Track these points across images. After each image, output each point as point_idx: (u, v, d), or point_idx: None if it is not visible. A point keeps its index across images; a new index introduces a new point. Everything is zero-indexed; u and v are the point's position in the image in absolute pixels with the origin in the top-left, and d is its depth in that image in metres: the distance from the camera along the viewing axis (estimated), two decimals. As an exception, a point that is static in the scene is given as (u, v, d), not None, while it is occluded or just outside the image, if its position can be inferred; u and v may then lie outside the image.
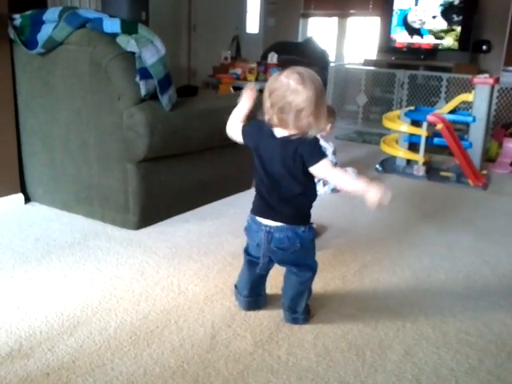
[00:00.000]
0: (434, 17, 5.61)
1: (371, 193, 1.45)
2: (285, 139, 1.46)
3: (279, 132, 1.47)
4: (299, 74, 1.41)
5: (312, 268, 1.62)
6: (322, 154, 1.46)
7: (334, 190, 3.03)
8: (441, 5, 5.54)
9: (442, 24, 5.57)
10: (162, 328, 1.57)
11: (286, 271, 1.64)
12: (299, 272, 1.60)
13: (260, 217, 1.55)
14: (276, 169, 1.49)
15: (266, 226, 1.53)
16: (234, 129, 1.61)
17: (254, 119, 1.56)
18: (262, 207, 1.55)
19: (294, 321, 1.63)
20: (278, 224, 1.52)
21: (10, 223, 2.37)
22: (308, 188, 1.53)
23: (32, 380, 1.32)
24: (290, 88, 1.40)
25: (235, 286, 1.73)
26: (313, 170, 1.46)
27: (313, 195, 1.56)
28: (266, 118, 1.46)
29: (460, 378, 1.41)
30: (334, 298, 1.81)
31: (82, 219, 2.45)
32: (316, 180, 3.14)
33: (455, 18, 5.49)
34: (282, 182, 1.50)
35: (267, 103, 1.44)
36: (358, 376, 1.39)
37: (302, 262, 1.59)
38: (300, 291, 1.61)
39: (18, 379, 1.32)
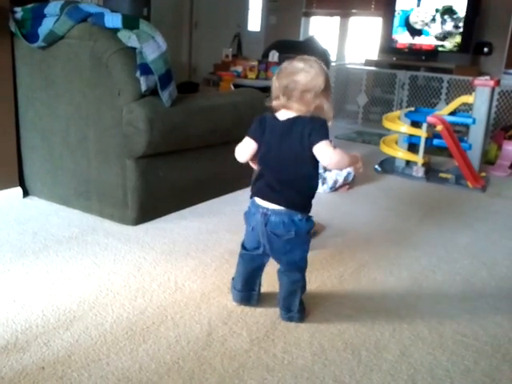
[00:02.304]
0: (435, 18, 5.61)
1: (357, 165, 1.62)
2: (291, 120, 1.49)
3: (283, 115, 1.51)
4: (311, 60, 1.49)
5: (300, 268, 1.61)
6: (326, 135, 1.48)
7: (333, 189, 3.03)
8: (443, 6, 5.54)
9: (444, 25, 5.57)
10: (159, 324, 1.57)
11: (278, 272, 1.64)
12: (288, 272, 1.60)
13: (259, 198, 1.55)
14: (282, 150, 1.50)
15: (264, 207, 1.53)
16: (246, 156, 1.61)
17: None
18: (262, 188, 1.55)
19: (289, 319, 1.63)
20: (276, 207, 1.52)
21: (8, 217, 2.37)
22: (311, 172, 1.53)
23: (27, 374, 1.32)
24: (301, 68, 1.46)
25: (232, 279, 1.74)
26: (315, 149, 1.47)
27: (315, 182, 1.57)
28: (272, 99, 1.50)
29: (455, 379, 1.41)
30: (331, 297, 1.81)
31: (80, 214, 2.45)
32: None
33: (457, 19, 5.49)
34: (286, 164, 1.51)
35: (276, 83, 1.49)
36: (354, 375, 1.39)
37: (293, 258, 1.57)
38: (292, 291, 1.61)
39: (14, 373, 1.32)
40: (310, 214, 1.57)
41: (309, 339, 1.55)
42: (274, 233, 1.53)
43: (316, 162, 1.51)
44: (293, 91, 1.46)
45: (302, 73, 1.45)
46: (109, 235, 2.22)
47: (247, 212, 1.61)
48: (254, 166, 1.64)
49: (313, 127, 1.46)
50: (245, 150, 1.59)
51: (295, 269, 1.60)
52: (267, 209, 1.53)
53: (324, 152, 1.47)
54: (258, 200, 1.56)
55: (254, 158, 1.60)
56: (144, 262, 1.98)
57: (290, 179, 1.51)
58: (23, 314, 1.59)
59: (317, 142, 1.46)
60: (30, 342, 1.45)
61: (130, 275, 1.88)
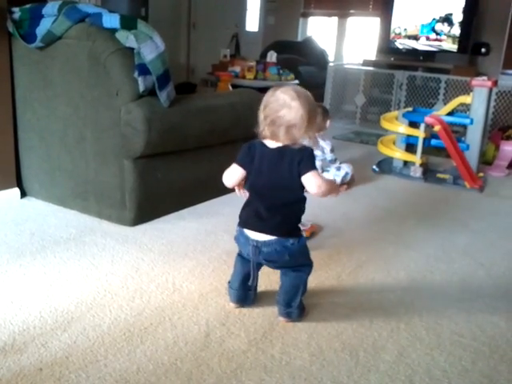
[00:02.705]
0: (434, 19, 5.61)
1: (336, 192, 1.67)
2: (281, 149, 1.51)
3: (271, 143, 1.53)
4: (295, 91, 1.49)
5: (307, 267, 1.64)
6: (314, 166, 1.53)
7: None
8: (441, 7, 5.55)
9: (442, 26, 5.57)
10: (156, 325, 1.57)
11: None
12: (294, 272, 1.62)
13: (247, 229, 1.57)
14: (271, 177, 1.53)
15: (254, 240, 1.55)
16: (233, 181, 1.63)
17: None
18: (249, 217, 1.57)
19: (288, 315, 1.63)
20: (266, 238, 1.54)
21: (6, 218, 2.36)
22: (300, 198, 1.56)
23: (25, 375, 1.32)
24: (284, 103, 1.47)
25: (229, 282, 1.74)
26: (305, 178, 1.50)
27: (302, 207, 1.59)
28: (259, 129, 1.52)
29: (453, 379, 1.41)
30: (329, 297, 1.81)
31: (78, 215, 2.44)
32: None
33: (455, 20, 5.50)
34: (275, 190, 1.53)
35: (261, 115, 1.51)
36: (351, 376, 1.40)
37: (295, 263, 1.61)
38: (296, 285, 1.62)
39: (11, 374, 1.32)
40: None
41: (307, 340, 1.55)
42: (269, 260, 1.58)
43: (303, 189, 1.54)
44: (279, 127, 1.48)
45: (286, 109, 1.46)
46: (107, 236, 2.22)
47: (236, 239, 1.63)
48: (239, 193, 1.66)
49: (302, 157, 1.50)
50: (232, 176, 1.61)
51: (302, 269, 1.63)
52: (257, 241, 1.55)
53: (314, 181, 1.50)
54: (246, 231, 1.57)
55: (241, 183, 1.63)
56: (142, 263, 1.98)
57: (278, 205, 1.53)
58: (21, 315, 1.58)
59: (307, 171, 1.50)
60: (28, 343, 1.45)
61: (128, 276, 1.87)
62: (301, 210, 1.59)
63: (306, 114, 1.47)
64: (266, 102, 1.50)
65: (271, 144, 1.53)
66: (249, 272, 1.67)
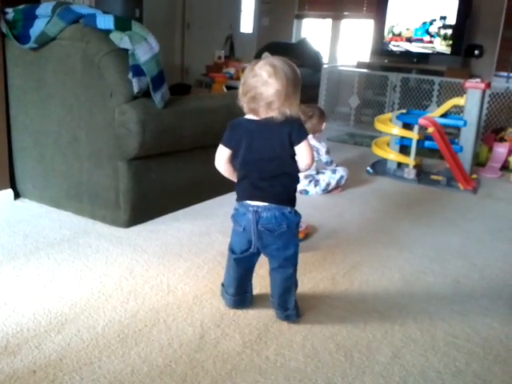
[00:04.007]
0: (427, 21, 5.64)
1: None
2: (268, 121, 1.50)
3: (255, 117, 1.53)
4: (272, 65, 1.48)
5: (293, 263, 1.62)
6: (306, 134, 1.54)
7: (326, 191, 3.04)
8: (435, 9, 5.57)
9: (436, 28, 5.60)
10: (151, 327, 1.57)
11: (269, 270, 1.64)
12: (281, 269, 1.60)
13: (247, 200, 1.57)
14: (262, 149, 1.53)
15: (254, 206, 1.55)
16: (223, 162, 1.62)
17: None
18: (248, 190, 1.57)
19: (287, 318, 1.63)
20: (266, 204, 1.54)
21: (-1, 219, 2.35)
22: (292, 168, 1.56)
23: (18, 377, 1.31)
24: (261, 79, 1.47)
25: (222, 285, 1.74)
26: (298, 148, 1.52)
27: (296, 176, 1.60)
28: (240, 104, 1.52)
29: (447, 380, 1.42)
30: (323, 299, 1.81)
31: (72, 216, 2.43)
32: (307, 181, 3.16)
33: (448, 22, 5.52)
34: (268, 162, 1.53)
35: (240, 90, 1.52)
36: (346, 377, 1.40)
37: (286, 253, 1.58)
38: (286, 287, 1.62)
39: (4, 376, 1.31)
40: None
41: (301, 341, 1.55)
42: (267, 228, 1.55)
43: (295, 157, 1.55)
44: (259, 103, 1.48)
45: (264, 86, 1.46)
46: (101, 237, 2.21)
47: (235, 214, 1.62)
48: (233, 177, 1.64)
49: (292, 127, 1.50)
50: (220, 158, 1.61)
51: (289, 264, 1.60)
52: (258, 206, 1.55)
53: (307, 152, 1.53)
54: (246, 201, 1.57)
55: (232, 163, 1.62)
56: (136, 265, 1.98)
57: (273, 176, 1.54)
58: (14, 317, 1.57)
59: (300, 140, 1.52)
60: (21, 345, 1.44)
61: (122, 278, 1.87)
62: (295, 179, 1.59)
63: (282, 89, 1.46)
64: (245, 78, 1.51)
65: (256, 118, 1.53)
66: (244, 275, 1.67)
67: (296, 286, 1.65)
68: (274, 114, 1.49)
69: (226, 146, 1.58)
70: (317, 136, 3.12)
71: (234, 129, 1.57)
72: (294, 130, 1.50)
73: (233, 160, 1.60)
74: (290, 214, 1.56)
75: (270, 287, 1.66)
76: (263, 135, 1.52)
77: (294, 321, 1.63)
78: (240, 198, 1.59)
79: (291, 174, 1.57)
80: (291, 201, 1.58)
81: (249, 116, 1.54)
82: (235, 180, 1.63)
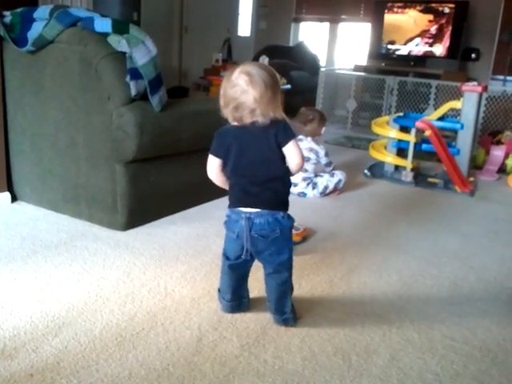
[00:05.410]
0: (424, 25, 5.66)
1: None
2: (253, 126, 1.50)
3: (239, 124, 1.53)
4: (247, 74, 1.48)
5: (288, 267, 1.61)
6: (292, 134, 1.54)
7: (323, 194, 3.04)
8: (431, 13, 5.59)
9: (432, 32, 5.61)
10: (148, 330, 1.57)
11: (264, 276, 1.64)
12: (276, 274, 1.60)
13: (239, 206, 1.56)
14: (251, 154, 1.53)
15: (247, 212, 1.55)
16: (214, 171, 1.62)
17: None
18: (240, 196, 1.57)
19: (285, 322, 1.63)
20: (258, 210, 1.54)
21: (-4, 222, 2.35)
22: (283, 171, 1.56)
23: (15, 381, 1.30)
24: (240, 89, 1.48)
25: (218, 290, 1.73)
26: (286, 148, 1.52)
27: (288, 180, 1.60)
28: (223, 114, 1.54)
29: (445, 383, 1.42)
30: (321, 301, 1.81)
31: (69, 219, 2.43)
32: (305, 183, 3.16)
33: (445, 25, 5.54)
34: (258, 167, 1.54)
35: (221, 102, 1.53)
36: (344, 380, 1.40)
37: (281, 258, 1.58)
38: (282, 292, 1.62)
39: (1, 380, 1.30)
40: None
41: (299, 344, 1.55)
42: (260, 234, 1.54)
43: (285, 161, 1.55)
44: (242, 112, 1.49)
45: (244, 95, 1.47)
46: (98, 240, 2.21)
47: (227, 221, 1.61)
48: (226, 186, 1.64)
49: (277, 129, 1.50)
50: (211, 167, 1.61)
51: (284, 269, 1.60)
52: (250, 213, 1.54)
53: (296, 152, 1.53)
54: (238, 208, 1.57)
55: (224, 172, 1.62)
56: (133, 268, 1.97)
57: (264, 181, 1.54)
58: (11, 320, 1.57)
59: (287, 141, 1.52)
60: (18, 348, 1.43)
61: (120, 281, 1.87)
62: (286, 183, 1.59)
63: (262, 94, 1.46)
64: (224, 89, 1.52)
65: (241, 124, 1.53)
66: (239, 280, 1.67)
67: (292, 289, 1.65)
68: (259, 118, 1.49)
69: (215, 155, 1.58)
70: (315, 139, 3.13)
71: (222, 137, 1.57)
72: (280, 131, 1.51)
73: (224, 168, 1.60)
74: (283, 219, 1.56)
75: (266, 292, 1.66)
76: (251, 140, 1.52)
77: (291, 324, 1.63)
78: (232, 205, 1.59)
79: (282, 178, 1.57)
80: (284, 205, 1.58)
81: (234, 123, 1.54)
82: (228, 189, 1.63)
